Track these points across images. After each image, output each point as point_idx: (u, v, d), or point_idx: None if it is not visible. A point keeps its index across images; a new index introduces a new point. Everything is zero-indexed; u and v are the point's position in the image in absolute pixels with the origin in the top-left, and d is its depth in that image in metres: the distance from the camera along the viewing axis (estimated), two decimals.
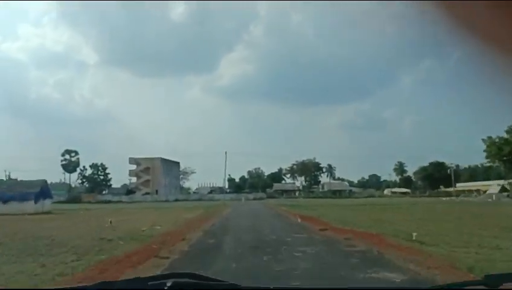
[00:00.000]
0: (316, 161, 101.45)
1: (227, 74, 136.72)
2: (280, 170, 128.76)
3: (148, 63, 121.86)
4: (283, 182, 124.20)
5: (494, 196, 61.70)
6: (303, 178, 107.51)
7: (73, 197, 76.84)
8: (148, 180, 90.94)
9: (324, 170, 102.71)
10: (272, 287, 1.35)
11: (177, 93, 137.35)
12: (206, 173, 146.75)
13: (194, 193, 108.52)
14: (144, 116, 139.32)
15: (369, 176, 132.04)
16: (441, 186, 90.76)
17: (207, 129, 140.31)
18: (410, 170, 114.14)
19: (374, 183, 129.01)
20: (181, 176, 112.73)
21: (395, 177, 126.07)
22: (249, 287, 1.27)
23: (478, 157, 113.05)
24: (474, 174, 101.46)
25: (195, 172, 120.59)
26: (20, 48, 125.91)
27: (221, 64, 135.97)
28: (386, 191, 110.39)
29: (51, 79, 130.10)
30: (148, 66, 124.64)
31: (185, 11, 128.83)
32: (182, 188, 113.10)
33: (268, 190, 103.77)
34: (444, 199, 70.50)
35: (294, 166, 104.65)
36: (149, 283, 1.08)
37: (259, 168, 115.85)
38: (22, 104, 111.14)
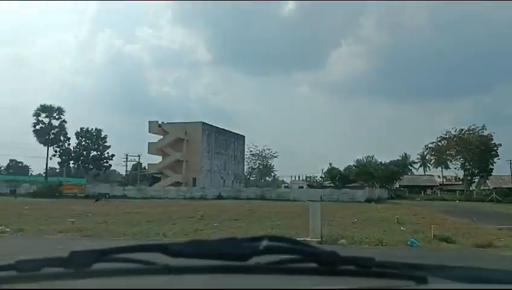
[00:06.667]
0: (487, 133, 54.97)
1: (336, 70, 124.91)
2: (405, 156, 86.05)
3: (256, 61, 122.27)
4: (409, 173, 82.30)
5: None
6: (458, 165, 61.89)
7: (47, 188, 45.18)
8: (179, 162, 55.61)
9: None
10: None
11: (284, 90, 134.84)
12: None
13: (285, 187, 75.17)
14: (254, 113, 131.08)
15: None
16: None
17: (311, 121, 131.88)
18: None
19: None
20: (250, 159, 79.71)
21: None
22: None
23: None
24: None
25: (276, 156, 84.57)
26: (140, 49, 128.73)
27: (330, 60, 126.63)
28: None
29: (170, 78, 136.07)
30: (257, 64, 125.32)
31: (295, 7, 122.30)
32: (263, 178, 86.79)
33: (387, 186, 62.35)
34: None
35: (442, 142, 58.92)
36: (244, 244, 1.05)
37: (372, 156, 74.36)
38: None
